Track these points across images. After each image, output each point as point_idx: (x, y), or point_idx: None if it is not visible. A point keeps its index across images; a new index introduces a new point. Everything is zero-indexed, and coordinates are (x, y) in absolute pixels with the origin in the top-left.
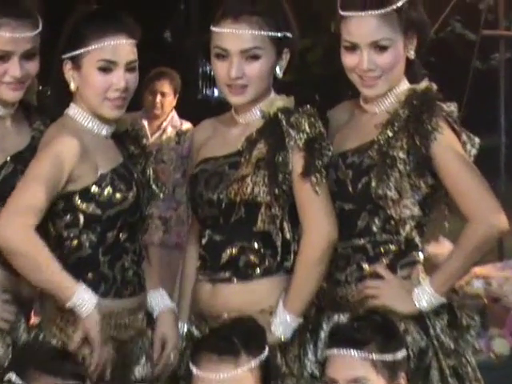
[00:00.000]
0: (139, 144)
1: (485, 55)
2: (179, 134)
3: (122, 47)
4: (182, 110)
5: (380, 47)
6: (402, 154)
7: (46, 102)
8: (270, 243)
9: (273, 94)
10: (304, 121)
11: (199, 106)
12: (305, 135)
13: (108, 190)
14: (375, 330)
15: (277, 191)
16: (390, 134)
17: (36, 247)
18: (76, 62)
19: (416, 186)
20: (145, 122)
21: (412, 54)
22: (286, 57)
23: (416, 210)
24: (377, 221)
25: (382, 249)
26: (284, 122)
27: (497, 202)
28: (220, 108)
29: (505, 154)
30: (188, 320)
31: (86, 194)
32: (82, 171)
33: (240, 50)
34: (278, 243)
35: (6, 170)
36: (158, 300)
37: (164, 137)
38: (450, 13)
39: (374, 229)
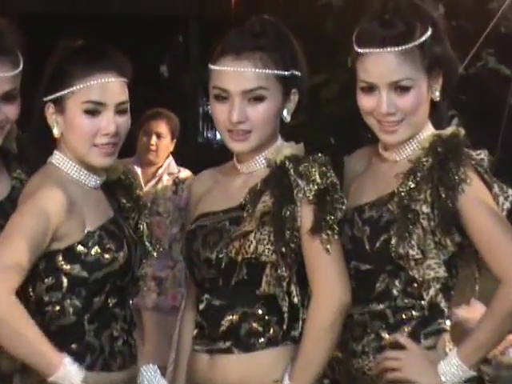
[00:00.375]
0: (132, 195)
1: None
2: (177, 182)
3: (110, 86)
4: (181, 155)
5: (401, 88)
6: (425, 208)
7: (26, 148)
8: (275, 309)
9: (280, 141)
10: (314, 170)
11: (200, 150)
12: (315, 186)
13: (95, 250)
14: None
15: (283, 249)
16: (412, 186)
17: (18, 314)
18: (59, 105)
19: (441, 244)
20: (138, 169)
21: (437, 96)
22: (294, 98)
23: (441, 272)
24: (397, 283)
25: (403, 315)
26: (292, 172)
27: None
28: (223, 153)
29: None
30: None
31: (70, 253)
32: (68, 228)
33: (242, 90)
34: (285, 309)
35: None
36: (151, 377)
37: (160, 186)
38: (482, 46)
39: (395, 292)
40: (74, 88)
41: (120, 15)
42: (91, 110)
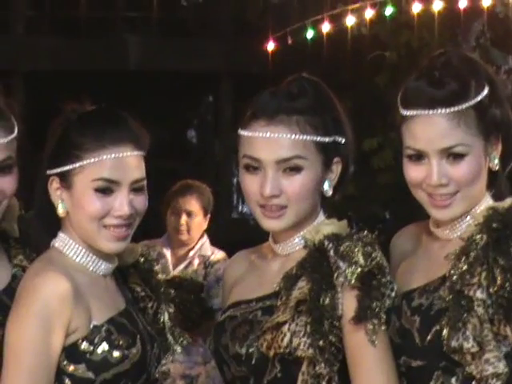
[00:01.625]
0: (150, 282)
1: None
2: (207, 265)
3: (125, 162)
4: (212, 233)
5: (454, 155)
6: (479, 294)
7: (29, 230)
8: None
9: (321, 217)
10: (358, 250)
11: (234, 226)
12: (358, 268)
13: (103, 347)
14: None
15: (321, 343)
16: (465, 268)
17: None
18: (65, 180)
19: (501, 334)
20: (168, 252)
21: (496, 164)
22: (336, 168)
23: (501, 367)
24: (454, 381)
25: None
26: (332, 252)
27: None
28: (260, 230)
29: None
30: None
31: (74, 351)
32: (75, 325)
33: (276, 160)
34: None
35: None
36: None
37: (190, 270)
38: None
39: None
40: (84, 162)
41: (140, 73)
42: (103, 188)
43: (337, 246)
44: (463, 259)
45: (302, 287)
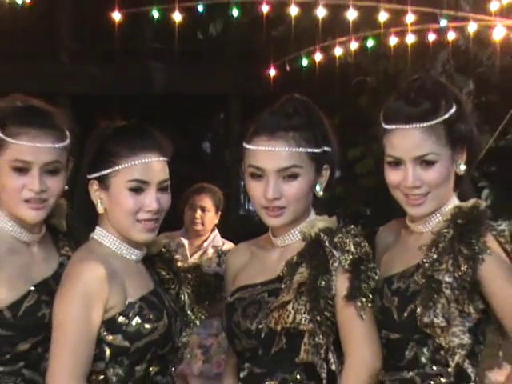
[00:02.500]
0: (172, 268)
1: None
2: (220, 254)
3: (153, 166)
4: (223, 227)
5: (426, 162)
6: (447, 278)
7: (74, 225)
8: (314, 375)
9: (312, 214)
10: (349, 241)
11: (241, 222)
12: (350, 256)
13: (136, 321)
14: None
15: (319, 318)
16: (435, 257)
17: None
18: (103, 182)
19: (465, 311)
20: (185, 241)
21: (461, 170)
22: (326, 173)
23: (466, 338)
24: (425, 351)
25: (432, 382)
26: (327, 243)
27: None
28: (263, 224)
29: None
30: None
31: (112, 324)
32: (112, 302)
33: (277, 169)
34: (323, 375)
35: (29, 300)
36: None
37: (205, 257)
38: (510, 119)
39: (423, 360)
40: (119, 167)
41: (164, 94)
42: (135, 187)
43: (331, 238)
44: (433, 250)
45: (302, 272)
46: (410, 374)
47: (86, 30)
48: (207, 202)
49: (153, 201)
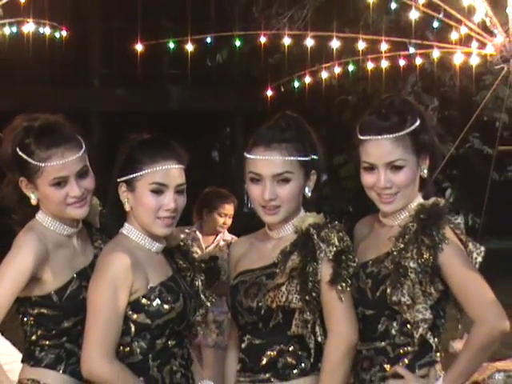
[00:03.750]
0: (188, 258)
1: (501, 168)
2: (229, 246)
3: (171, 172)
4: (231, 224)
5: (395, 167)
6: (412, 264)
7: (105, 222)
8: (304, 346)
9: (302, 211)
10: (333, 235)
11: (245, 218)
12: (334, 248)
13: (157, 302)
14: None
15: (307, 298)
16: (402, 246)
17: (117, 378)
18: (130, 185)
19: (427, 291)
20: (200, 236)
21: (425, 173)
22: (313, 178)
23: (427, 314)
24: (395, 324)
25: (401, 350)
26: (315, 237)
27: (499, 306)
28: (261, 221)
29: None
30: None
31: (136, 305)
32: (136, 285)
33: (272, 174)
34: (311, 346)
35: (73, 286)
36: None
37: (217, 249)
38: (469, 130)
39: (393, 332)
40: (143, 172)
41: (179, 112)
42: (156, 189)
43: (318, 232)
44: (401, 240)
45: (294, 259)
46: (383, 343)
47: (114, 58)
48: (232, 210)
49: (171, 201)
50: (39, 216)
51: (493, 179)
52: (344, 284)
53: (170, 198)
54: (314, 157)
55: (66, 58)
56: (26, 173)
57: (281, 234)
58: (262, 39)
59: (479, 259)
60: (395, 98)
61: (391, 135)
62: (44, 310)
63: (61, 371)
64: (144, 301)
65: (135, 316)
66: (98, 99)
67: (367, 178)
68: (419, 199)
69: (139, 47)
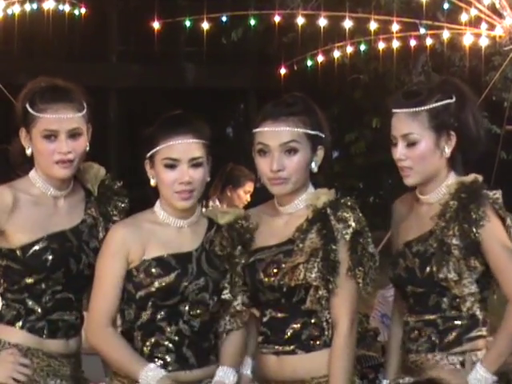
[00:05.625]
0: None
1: (509, 147)
2: None
3: (184, 146)
4: None
5: (410, 141)
6: (455, 241)
7: (107, 193)
8: (325, 319)
9: (311, 187)
10: (350, 215)
11: (257, 192)
12: (351, 229)
13: (142, 275)
14: None
15: (327, 276)
16: (443, 224)
17: (112, 347)
18: (151, 161)
19: (472, 266)
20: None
21: (446, 152)
22: (320, 153)
23: (473, 288)
24: (445, 299)
25: (450, 324)
26: (332, 217)
27: None
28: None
29: None
30: None
31: (128, 275)
32: (131, 258)
33: (279, 144)
34: (323, 319)
35: (40, 245)
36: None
37: None
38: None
39: (444, 306)
40: (158, 148)
41: (194, 89)
42: (169, 164)
43: (335, 212)
44: (442, 218)
45: (313, 239)
46: (433, 316)
47: (131, 35)
48: (252, 186)
49: (184, 174)
50: (30, 173)
51: (500, 158)
52: (361, 268)
53: (183, 171)
54: (321, 134)
55: (84, 35)
56: (26, 122)
57: (292, 210)
58: (277, 18)
59: None
60: (437, 78)
61: (408, 109)
62: (9, 263)
63: (18, 327)
64: (134, 272)
65: (126, 285)
66: (114, 75)
67: (392, 152)
68: (453, 177)
69: (156, 25)
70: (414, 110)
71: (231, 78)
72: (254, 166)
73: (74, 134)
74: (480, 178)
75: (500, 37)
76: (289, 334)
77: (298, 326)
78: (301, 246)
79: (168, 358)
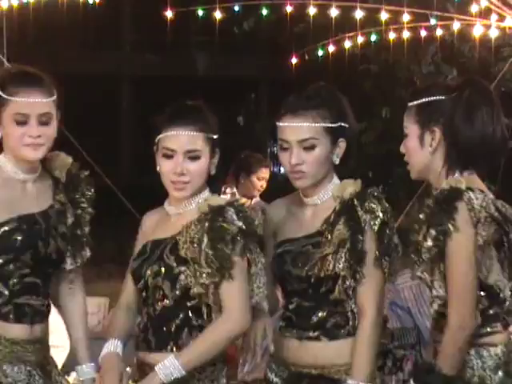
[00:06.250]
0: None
1: None
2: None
3: (181, 138)
4: None
5: (405, 134)
6: (426, 244)
7: (74, 180)
8: (350, 309)
9: (336, 178)
10: (376, 206)
11: (270, 181)
12: (379, 220)
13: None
14: None
15: (355, 266)
16: (416, 227)
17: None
18: (157, 148)
19: (441, 270)
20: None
21: (429, 149)
22: (342, 145)
23: (441, 292)
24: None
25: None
26: (359, 208)
27: (468, 313)
28: (286, 184)
29: None
30: (268, 369)
31: None
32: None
33: (297, 140)
34: (348, 309)
35: (9, 226)
36: None
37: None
38: None
39: None
40: (159, 137)
41: (206, 78)
42: (166, 154)
43: (362, 203)
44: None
45: (340, 230)
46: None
47: (144, 24)
48: (268, 173)
49: (177, 165)
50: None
51: (509, 147)
52: (387, 258)
53: (178, 162)
54: (344, 124)
55: (98, 24)
56: None
57: (317, 202)
58: (288, 8)
59: None
60: (446, 68)
61: (408, 104)
62: None
63: None
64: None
65: None
66: (127, 63)
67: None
68: (456, 177)
69: (169, 14)
70: (408, 104)
71: (242, 67)
72: (265, 153)
73: (44, 120)
74: (461, 181)
75: (510, 28)
76: (315, 320)
77: (324, 314)
78: (329, 237)
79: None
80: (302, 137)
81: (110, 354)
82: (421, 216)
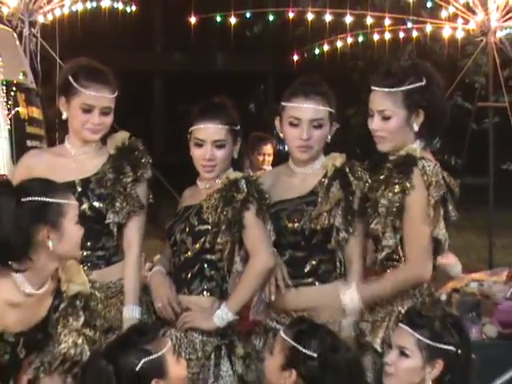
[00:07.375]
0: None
1: (479, 120)
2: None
3: (209, 129)
4: None
5: (385, 116)
6: (383, 201)
7: (125, 150)
8: (338, 257)
9: (322, 154)
10: (364, 173)
11: (275, 156)
12: (366, 184)
13: None
14: None
15: (349, 218)
16: (375, 185)
17: None
18: (190, 137)
19: (396, 226)
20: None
21: (414, 127)
22: (334, 127)
23: (391, 242)
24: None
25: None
26: (350, 175)
27: (426, 257)
28: (286, 159)
29: (493, 190)
30: (268, 318)
31: None
32: None
33: (310, 119)
34: (338, 258)
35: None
36: None
37: None
38: (453, 90)
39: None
40: (191, 128)
41: (223, 73)
42: (197, 143)
43: (352, 171)
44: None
45: (334, 191)
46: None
47: (173, 28)
48: (270, 149)
49: (207, 153)
50: (65, 143)
51: (472, 129)
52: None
53: (207, 150)
54: (333, 111)
55: (134, 28)
56: (67, 93)
57: (309, 171)
58: (290, 14)
59: (457, 190)
60: (408, 62)
61: (384, 89)
62: None
63: None
64: None
65: None
66: (158, 62)
67: (368, 122)
68: (411, 146)
69: (193, 20)
70: (390, 90)
71: (253, 64)
72: (272, 134)
73: (105, 111)
74: (416, 149)
75: (473, 30)
76: (308, 268)
77: (315, 262)
78: (325, 197)
79: None
80: (313, 116)
81: (157, 272)
82: (381, 177)
